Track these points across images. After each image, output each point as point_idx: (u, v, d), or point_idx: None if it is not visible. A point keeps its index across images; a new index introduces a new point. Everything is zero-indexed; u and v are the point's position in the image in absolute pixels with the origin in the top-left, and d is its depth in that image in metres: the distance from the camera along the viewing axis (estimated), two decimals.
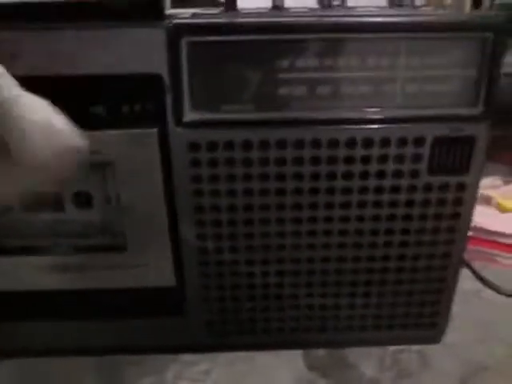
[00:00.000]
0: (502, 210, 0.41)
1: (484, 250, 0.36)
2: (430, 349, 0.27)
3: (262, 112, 0.20)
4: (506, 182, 0.45)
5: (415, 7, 0.22)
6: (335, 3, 0.22)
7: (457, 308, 0.31)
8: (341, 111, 0.20)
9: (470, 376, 0.25)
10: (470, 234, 0.37)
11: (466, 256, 0.36)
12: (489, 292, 0.32)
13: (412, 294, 0.25)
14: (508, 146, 0.48)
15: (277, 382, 0.26)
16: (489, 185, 0.45)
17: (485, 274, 0.34)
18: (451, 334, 0.28)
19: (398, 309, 0.25)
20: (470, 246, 0.36)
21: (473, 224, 0.39)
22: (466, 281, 0.33)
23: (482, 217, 0.40)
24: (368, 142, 0.21)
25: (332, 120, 0.20)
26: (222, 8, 0.22)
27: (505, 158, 0.48)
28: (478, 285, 0.33)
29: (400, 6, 0.22)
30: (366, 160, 0.21)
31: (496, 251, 0.35)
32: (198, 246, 0.23)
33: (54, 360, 0.26)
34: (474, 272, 0.33)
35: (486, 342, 0.28)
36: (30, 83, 0.19)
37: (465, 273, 0.34)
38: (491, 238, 0.36)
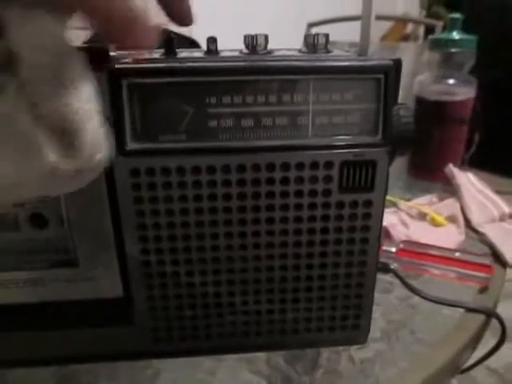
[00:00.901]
0: (435, 224, 0.45)
1: (417, 261, 0.39)
2: (355, 348, 0.30)
3: (193, 142, 0.24)
4: (442, 199, 0.50)
5: (328, 51, 0.26)
6: (259, 49, 0.25)
7: (386, 312, 0.34)
8: (262, 140, 0.24)
9: (387, 372, 0.28)
10: (403, 246, 0.41)
11: (400, 267, 0.39)
12: (416, 299, 0.36)
13: (335, 298, 0.28)
14: (440, 166, 0.52)
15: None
16: (426, 202, 0.50)
17: (416, 283, 0.37)
18: (376, 336, 0.31)
19: (324, 312, 0.28)
20: (405, 258, 0.40)
21: (407, 237, 0.43)
22: (396, 289, 0.37)
23: (417, 231, 0.44)
24: (285, 166, 0.24)
25: (254, 148, 0.24)
26: (161, 52, 0.25)
27: (439, 177, 0.52)
28: (407, 292, 0.36)
29: (314, 51, 0.26)
30: (284, 181, 0.25)
31: (427, 262, 0.39)
32: (142, 260, 0.26)
33: (8, 371, 0.28)
34: (402, 281, 0.36)
35: (406, 342, 0.31)
36: None
37: (396, 283, 0.38)
38: (423, 251, 0.40)
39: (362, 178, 0.25)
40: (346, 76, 0.24)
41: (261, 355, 0.30)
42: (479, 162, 0.59)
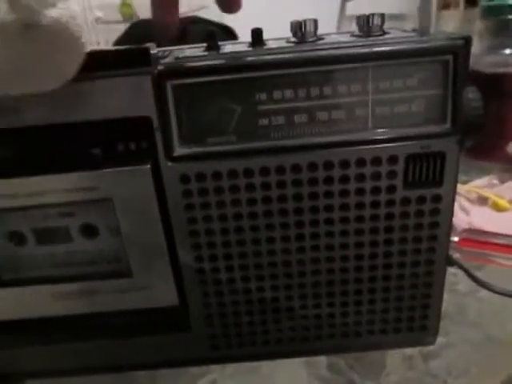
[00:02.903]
0: (498, 209, 0.42)
1: (480, 251, 0.37)
2: (422, 350, 0.28)
3: (244, 143, 0.22)
4: (503, 181, 0.46)
5: (384, 33, 0.24)
6: (309, 36, 0.23)
7: (452, 309, 0.32)
8: (317, 137, 0.22)
9: (458, 376, 0.26)
10: (466, 235, 0.38)
11: (463, 257, 0.37)
12: (483, 292, 0.33)
13: (401, 299, 0.26)
14: (500, 145, 0.49)
15: None
16: (486, 184, 0.46)
17: (480, 274, 0.35)
18: (444, 335, 0.29)
19: (389, 314, 0.26)
20: (467, 248, 0.38)
21: (469, 225, 0.40)
22: (461, 282, 0.35)
23: (478, 217, 0.41)
24: (345, 163, 0.22)
25: (309, 145, 0.22)
26: (203, 47, 0.24)
27: (498, 156, 0.49)
28: (473, 285, 0.34)
29: (369, 34, 0.23)
30: (344, 180, 0.23)
31: (491, 252, 0.36)
32: (197, 268, 0.25)
33: (72, 379, 0.28)
34: (467, 273, 0.34)
35: (475, 341, 0.29)
36: (34, 132, 0.22)
37: (460, 274, 0.35)
38: (488, 239, 0.37)
39: (429, 172, 0.23)
40: (409, 60, 0.21)
41: (321, 359, 0.29)
42: None
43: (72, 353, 0.27)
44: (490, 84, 0.50)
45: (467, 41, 0.21)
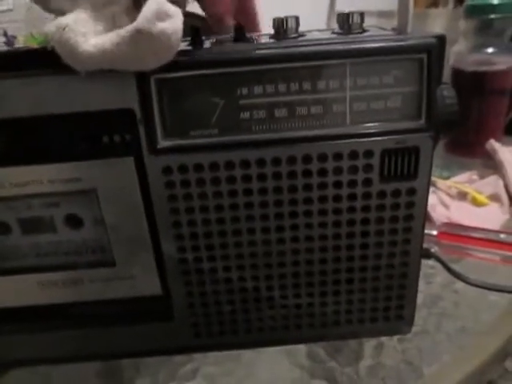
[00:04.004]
0: (476, 204, 0.43)
1: (458, 244, 0.38)
2: (398, 339, 0.29)
3: (226, 136, 0.23)
4: (482, 176, 0.47)
5: (364, 31, 0.24)
6: (290, 32, 0.24)
7: (428, 300, 0.33)
8: (297, 131, 0.23)
9: (431, 363, 0.28)
10: (444, 229, 0.39)
11: (441, 251, 0.38)
12: (460, 284, 0.34)
13: (377, 290, 0.27)
14: (480, 141, 0.50)
15: (260, 376, 0.28)
16: (466, 180, 0.48)
17: (458, 267, 0.36)
18: (419, 325, 0.30)
19: (366, 304, 0.27)
20: (446, 241, 0.39)
21: (448, 220, 0.41)
22: (439, 274, 0.36)
23: (458, 212, 0.42)
24: (323, 157, 0.23)
25: (289, 139, 0.23)
26: (187, 42, 0.24)
27: (479, 152, 0.50)
28: (450, 278, 0.35)
29: (349, 32, 0.24)
30: (322, 173, 0.23)
31: (469, 245, 0.37)
32: (179, 258, 0.25)
33: (56, 367, 0.29)
34: (444, 266, 0.35)
35: (449, 330, 0.30)
36: (19, 124, 0.22)
37: (438, 267, 0.36)
38: (466, 233, 0.38)
39: (404, 166, 0.24)
40: (385, 58, 0.22)
41: (301, 347, 0.30)
42: None
43: (57, 341, 0.28)
44: (472, 82, 0.51)
45: (441, 39, 0.22)
